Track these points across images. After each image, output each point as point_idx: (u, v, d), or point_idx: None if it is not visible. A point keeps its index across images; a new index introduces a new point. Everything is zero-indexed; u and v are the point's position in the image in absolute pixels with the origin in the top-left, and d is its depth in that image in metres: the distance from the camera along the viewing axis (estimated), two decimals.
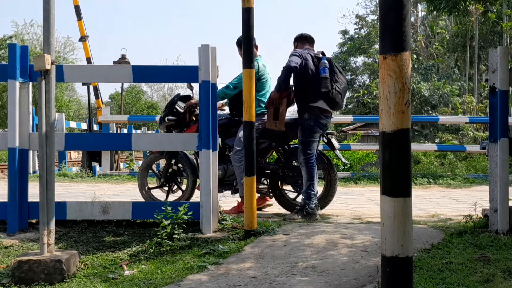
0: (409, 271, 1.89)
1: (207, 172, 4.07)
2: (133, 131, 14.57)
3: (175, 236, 3.75)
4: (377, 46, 27.37)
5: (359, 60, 35.13)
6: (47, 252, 3.14)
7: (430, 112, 20.30)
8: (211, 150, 4.09)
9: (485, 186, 6.98)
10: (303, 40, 5.08)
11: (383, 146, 1.90)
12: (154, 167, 5.67)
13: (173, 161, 5.35)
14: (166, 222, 3.77)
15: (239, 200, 5.07)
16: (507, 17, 19.87)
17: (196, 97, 5.29)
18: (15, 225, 4.04)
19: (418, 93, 20.16)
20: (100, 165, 10.48)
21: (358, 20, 33.22)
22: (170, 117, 5.33)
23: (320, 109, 4.81)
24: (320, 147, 6.58)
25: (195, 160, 5.29)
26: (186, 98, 5.46)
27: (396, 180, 1.88)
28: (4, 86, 24.58)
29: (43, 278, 3.02)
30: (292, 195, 5.30)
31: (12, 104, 4.09)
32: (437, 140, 17.27)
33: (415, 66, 23.36)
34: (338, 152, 5.42)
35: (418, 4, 28.24)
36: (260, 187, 5.24)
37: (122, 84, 21.03)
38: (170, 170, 5.36)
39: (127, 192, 7.02)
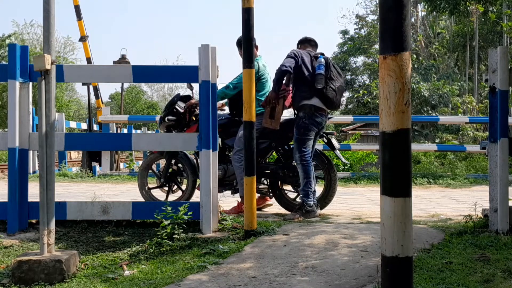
0: (409, 271, 1.89)
1: (207, 172, 4.07)
2: (133, 131, 14.57)
3: (175, 236, 3.75)
4: (377, 46, 27.39)
5: (359, 60, 35.20)
6: (47, 252, 3.14)
7: (430, 112, 20.30)
8: (211, 150, 4.09)
9: (485, 186, 6.98)
10: (306, 43, 5.15)
11: (383, 146, 1.90)
12: (154, 167, 5.67)
13: (173, 161, 5.35)
14: (166, 222, 3.77)
15: (239, 200, 5.07)
16: (507, 17, 19.87)
17: (196, 97, 5.29)
18: (15, 225, 4.04)
19: (418, 93, 20.17)
20: (100, 165, 10.48)
21: (358, 20, 33.24)
22: (170, 117, 5.33)
23: (315, 107, 4.82)
24: (320, 147, 6.60)
25: (195, 160, 5.29)
26: (186, 98, 5.46)
27: (396, 180, 1.88)
28: (4, 86, 24.60)
29: (43, 278, 3.02)
30: (292, 195, 5.30)
31: (12, 104, 4.08)
32: (437, 140, 17.27)
33: (415, 66, 23.36)
34: (338, 152, 5.42)
35: (418, 4, 28.24)
36: (260, 187, 5.25)
37: (122, 84, 21.05)
38: (170, 170, 5.36)
39: (127, 192, 7.01)
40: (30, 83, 4.29)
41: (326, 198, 5.18)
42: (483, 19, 22.28)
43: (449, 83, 22.21)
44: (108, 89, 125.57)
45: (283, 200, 5.22)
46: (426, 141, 17.72)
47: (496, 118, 3.91)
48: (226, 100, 5.35)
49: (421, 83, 20.83)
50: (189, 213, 3.90)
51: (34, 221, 4.17)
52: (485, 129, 15.99)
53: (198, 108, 5.11)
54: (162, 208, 3.91)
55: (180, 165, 5.36)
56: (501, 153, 3.87)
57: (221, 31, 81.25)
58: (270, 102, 4.84)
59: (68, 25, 69.72)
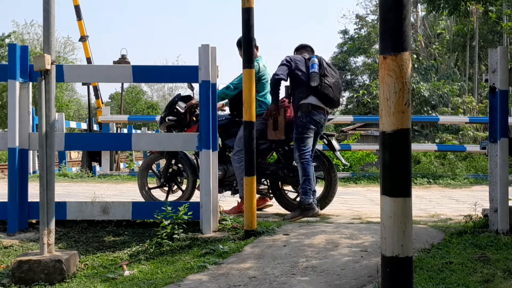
0: (409, 271, 1.89)
1: (207, 172, 4.07)
2: (133, 131, 14.57)
3: (175, 236, 3.75)
4: (377, 46, 27.38)
5: (359, 60, 35.18)
6: (47, 252, 3.14)
7: (430, 112, 20.30)
8: (211, 150, 4.09)
9: (485, 186, 6.98)
10: (302, 49, 5.21)
11: (383, 146, 1.90)
12: (154, 167, 5.67)
13: (173, 161, 5.35)
14: (166, 222, 3.77)
15: (239, 200, 5.07)
16: (507, 17, 19.86)
17: (196, 97, 5.29)
18: (15, 225, 4.04)
19: (418, 93, 20.17)
20: (100, 165, 10.48)
21: (358, 20, 33.23)
22: (170, 117, 5.33)
23: (312, 105, 4.85)
24: (320, 148, 6.60)
25: (195, 160, 5.29)
26: (186, 98, 5.46)
27: (396, 180, 1.88)
28: (4, 86, 24.60)
29: (43, 278, 3.02)
30: (292, 195, 5.30)
31: (12, 104, 4.08)
32: (437, 140, 17.28)
33: (415, 66, 23.36)
34: (338, 153, 5.42)
35: (418, 4, 28.24)
36: (260, 187, 5.25)
37: (122, 84, 21.05)
38: (170, 170, 5.36)
39: (127, 192, 7.01)
40: (30, 83, 4.29)
41: (326, 199, 5.18)
42: (483, 19, 22.28)
43: (449, 83, 22.21)
44: (108, 89, 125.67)
45: (283, 200, 5.22)
46: (426, 141, 17.73)
47: (496, 118, 3.91)
48: (226, 100, 5.35)
49: (421, 83, 20.83)
50: (189, 213, 3.90)
51: (34, 221, 4.17)
52: (485, 129, 16.00)
53: (198, 108, 5.11)
54: (162, 208, 3.91)
55: (180, 165, 5.36)
56: (501, 153, 3.87)
57: (221, 31, 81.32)
58: (271, 114, 4.91)
59: (68, 25, 69.75)
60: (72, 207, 4.15)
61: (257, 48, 5.08)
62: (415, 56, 24.04)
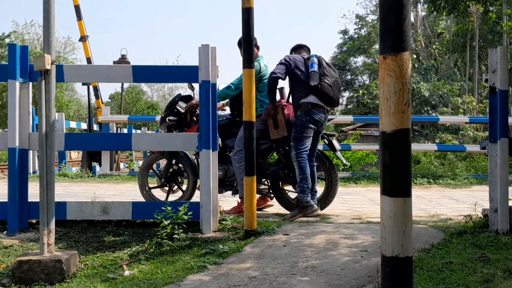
0: (409, 271, 1.89)
1: (207, 172, 4.07)
2: (133, 131, 14.57)
3: (175, 236, 3.75)
4: (377, 46, 27.37)
5: (359, 60, 35.18)
6: (47, 252, 3.14)
7: (430, 112, 20.30)
8: (211, 150, 4.09)
9: (485, 186, 6.98)
10: (300, 49, 5.19)
11: (383, 146, 1.90)
12: (154, 167, 5.67)
13: (173, 161, 5.35)
14: (166, 222, 3.77)
15: (239, 200, 5.07)
16: (507, 17, 19.86)
17: (197, 97, 5.29)
18: (15, 225, 4.04)
19: (418, 93, 20.17)
20: (100, 165, 10.48)
21: (358, 20, 33.22)
22: (171, 117, 5.33)
23: (312, 104, 4.85)
24: (321, 148, 6.60)
25: (195, 160, 5.29)
26: (187, 98, 5.47)
27: (396, 180, 1.88)
28: (4, 86, 24.60)
29: (43, 278, 3.02)
30: (293, 195, 5.30)
31: (12, 104, 4.08)
32: (437, 140, 17.27)
33: (415, 66, 23.36)
34: (339, 153, 5.42)
35: (418, 4, 28.23)
36: (260, 187, 5.25)
37: (122, 84, 21.07)
38: (170, 170, 5.36)
39: (127, 192, 7.02)
40: (30, 83, 4.29)
41: (326, 199, 5.18)
42: (482, 20, 22.28)
43: (449, 83, 22.21)
44: (108, 89, 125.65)
45: (283, 200, 5.22)
46: (426, 141, 17.73)
47: (496, 118, 3.91)
48: (227, 100, 5.35)
49: (421, 83, 20.83)
50: (189, 213, 3.90)
51: (34, 221, 4.17)
52: (485, 129, 16.00)
53: (199, 108, 5.11)
54: (162, 208, 3.91)
55: (181, 165, 5.37)
56: (501, 153, 3.87)
57: (221, 31, 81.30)
58: (270, 114, 4.91)
59: (68, 25, 69.73)
60: (72, 207, 4.15)
61: (258, 48, 5.08)
62: (415, 56, 24.04)
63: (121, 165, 13.42)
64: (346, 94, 34.42)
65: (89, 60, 13.19)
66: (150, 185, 5.40)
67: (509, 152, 3.90)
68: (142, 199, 5.26)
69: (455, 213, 5.00)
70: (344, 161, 5.77)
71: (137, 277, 3.08)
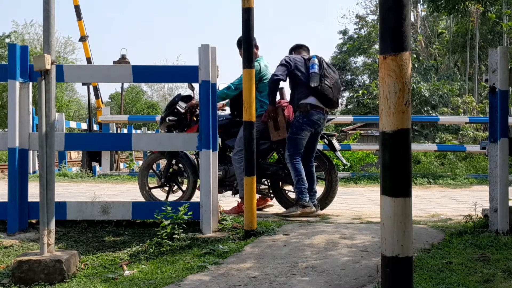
0: (409, 271, 1.89)
1: (207, 172, 4.07)
2: (133, 131, 14.57)
3: (175, 236, 3.75)
4: (377, 46, 27.37)
5: (359, 60, 35.18)
6: (47, 252, 3.14)
7: (430, 112, 20.30)
8: (211, 150, 4.09)
9: (485, 186, 6.98)
10: (299, 49, 5.18)
11: (383, 146, 1.90)
12: (154, 167, 5.67)
13: (173, 161, 5.35)
14: (166, 222, 3.77)
15: (239, 200, 5.07)
16: (507, 17, 19.87)
17: (197, 97, 5.29)
18: (15, 225, 4.04)
19: (418, 93, 20.16)
20: (100, 165, 10.48)
21: (358, 20, 33.22)
22: (171, 117, 5.33)
23: (311, 105, 4.84)
24: (321, 147, 6.60)
25: (195, 160, 5.29)
26: (187, 98, 5.46)
27: (396, 180, 1.88)
28: (4, 86, 24.60)
29: (43, 278, 3.02)
30: (293, 195, 5.29)
31: (12, 104, 4.08)
32: (437, 140, 17.27)
33: (415, 66, 23.36)
34: (339, 153, 5.42)
35: (418, 4, 28.23)
36: (260, 187, 5.25)
37: (122, 84, 21.07)
38: (170, 170, 5.36)
39: (127, 192, 7.02)
40: (30, 83, 4.29)
41: (326, 199, 5.18)
42: (480, 20, 22.27)
43: (449, 83, 22.20)
44: (108, 89, 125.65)
45: (283, 200, 5.22)
46: (426, 141, 17.73)
47: (496, 118, 3.91)
48: (227, 100, 5.35)
49: (421, 83, 20.82)
50: (189, 213, 3.90)
51: (34, 221, 4.17)
52: (485, 129, 16.00)
53: (199, 108, 5.11)
54: (162, 208, 3.91)
55: (181, 165, 5.36)
56: (501, 153, 3.87)
57: (221, 31, 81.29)
58: (270, 116, 4.91)
59: (68, 25, 69.74)
60: (72, 207, 4.15)
61: (257, 48, 5.08)
62: (415, 56, 24.04)
63: (121, 165, 13.43)
64: (346, 94, 34.43)
65: (89, 60, 13.19)
66: (150, 185, 5.40)
67: (509, 152, 3.90)
68: (142, 199, 5.26)
69: (455, 213, 5.00)
70: (344, 161, 5.77)
71: (137, 277, 3.08)
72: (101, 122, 10.79)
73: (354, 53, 33.41)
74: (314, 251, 3.46)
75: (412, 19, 27.49)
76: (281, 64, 4.87)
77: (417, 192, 7.41)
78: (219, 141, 4.41)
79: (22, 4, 74.09)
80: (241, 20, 3.90)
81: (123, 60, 14.77)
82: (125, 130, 13.47)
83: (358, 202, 6.36)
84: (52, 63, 3.19)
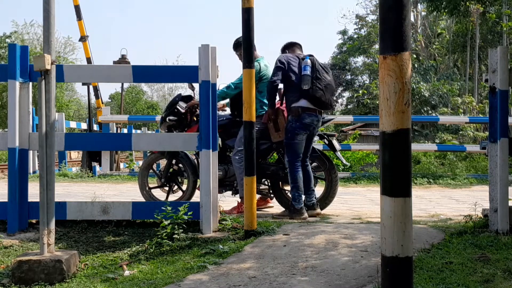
0: (409, 271, 1.89)
1: (207, 172, 4.07)
2: (133, 131, 14.57)
3: (175, 236, 3.75)
4: (377, 46, 27.37)
5: (359, 60, 35.17)
6: (47, 252, 3.14)
7: (430, 112, 20.29)
8: (211, 150, 4.09)
9: (485, 186, 6.98)
10: (293, 47, 5.12)
11: (383, 146, 1.90)
12: (154, 167, 5.67)
13: (173, 161, 5.35)
14: (166, 222, 3.77)
15: (239, 200, 5.07)
16: (507, 17, 19.86)
17: (197, 97, 5.29)
18: (15, 225, 4.04)
19: (418, 93, 20.16)
20: (100, 165, 10.48)
21: (358, 20, 33.21)
22: (171, 117, 5.33)
23: (303, 108, 4.80)
24: (321, 148, 6.60)
25: (195, 160, 5.29)
26: (187, 98, 5.47)
27: (396, 180, 1.88)
28: (4, 86, 24.60)
29: (43, 278, 3.02)
30: None
31: (12, 104, 4.09)
32: (437, 140, 17.26)
33: (415, 66, 23.35)
34: (339, 153, 5.42)
35: (418, 4, 28.23)
36: (261, 187, 5.25)
37: (122, 84, 21.05)
38: (170, 170, 5.36)
39: (127, 192, 7.02)
40: (30, 83, 4.29)
41: (326, 199, 5.18)
42: (480, 20, 22.26)
43: (449, 83, 22.20)
44: (108, 89, 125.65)
45: (283, 200, 5.22)
46: (426, 141, 17.71)
47: (496, 118, 3.91)
48: (227, 100, 5.35)
49: (421, 83, 20.81)
50: (189, 213, 3.90)
51: (34, 221, 4.17)
52: (485, 129, 15.99)
53: (199, 108, 5.11)
54: (162, 208, 3.91)
55: (181, 165, 5.36)
56: (501, 153, 3.87)
57: (221, 31, 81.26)
58: (270, 118, 4.91)
59: (68, 25, 69.71)
60: (72, 207, 4.15)
61: (254, 48, 5.06)
62: (415, 56, 24.03)
63: (121, 165, 13.42)
64: (346, 94, 34.43)
65: (89, 60, 13.18)
66: (150, 185, 5.40)
67: (509, 152, 3.90)
68: (142, 199, 5.27)
69: (455, 213, 5.00)
70: (344, 161, 5.77)
71: (137, 277, 3.08)
72: (101, 122, 10.79)
73: (354, 53, 33.38)
74: (314, 251, 3.46)
75: (412, 19, 27.50)
76: (276, 67, 4.84)
77: (417, 192, 7.42)
78: (219, 141, 4.41)
79: (22, 4, 74.12)
80: (241, 20, 3.90)
81: (123, 60, 14.76)
82: (125, 130, 13.47)
83: (358, 202, 6.36)
84: (52, 63, 3.19)
